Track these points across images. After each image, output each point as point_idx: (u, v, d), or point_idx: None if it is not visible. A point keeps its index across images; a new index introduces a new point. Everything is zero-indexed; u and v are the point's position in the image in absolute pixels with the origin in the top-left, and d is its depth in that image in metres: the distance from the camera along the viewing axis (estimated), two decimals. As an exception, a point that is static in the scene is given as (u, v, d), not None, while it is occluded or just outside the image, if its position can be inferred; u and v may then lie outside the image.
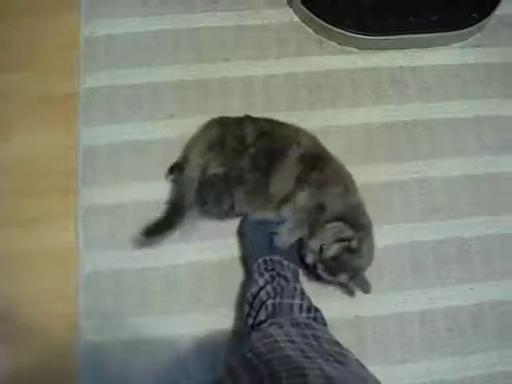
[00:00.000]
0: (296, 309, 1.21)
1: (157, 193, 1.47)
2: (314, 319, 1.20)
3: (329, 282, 1.38)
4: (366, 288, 1.32)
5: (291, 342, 0.97)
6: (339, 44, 1.67)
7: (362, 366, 0.94)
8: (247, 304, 1.28)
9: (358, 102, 1.62)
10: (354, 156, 1.48)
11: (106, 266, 1.43)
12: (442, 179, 1.55)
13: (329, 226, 1.31)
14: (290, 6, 1.71)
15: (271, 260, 1.32)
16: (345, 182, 1.38)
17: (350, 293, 1.42)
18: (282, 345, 0.95)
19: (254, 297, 1.26)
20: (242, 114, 1.45)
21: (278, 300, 1.22)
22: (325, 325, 1.21)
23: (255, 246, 1.37)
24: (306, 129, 1.43)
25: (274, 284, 1.26)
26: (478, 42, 1.71)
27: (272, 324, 1.14)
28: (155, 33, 1.66)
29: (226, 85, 1.61)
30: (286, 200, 1.34)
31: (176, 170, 1.46)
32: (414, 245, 1.48)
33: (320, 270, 1.33)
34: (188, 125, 1.49)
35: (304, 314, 1.20)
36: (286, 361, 0.87)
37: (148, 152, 1.53)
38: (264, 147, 1.36)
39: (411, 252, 1.48)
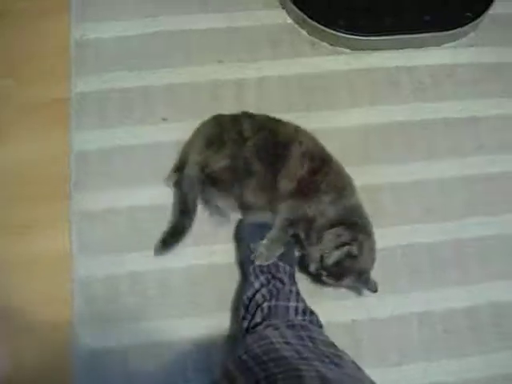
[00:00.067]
0: (292, 311, 1.20)
1: (150, 197, 1.46)
2: (310, 322, 1.19)
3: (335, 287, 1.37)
4: (372, 287, 1.32)
5: (287, 343, 0.96)
6: (332, 45, 1.66)
7: (358, 368, 0.93)
8: (243, 307, 1.27)
9: (354, 103, 1.61)
10: (350, 158, 1.45)
11: (100, 272, 1.41)
12: (439, 180, 1.54)
13: (326, 233, 1.30)
14: (283, 8, 1.70)
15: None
16: (344, 184, 1.37)
17: (358, 293, 1.41)
18: (278, 346, 0.94)
19: (250, 300, 1.25)
20: (236, 116, 1.44)
21: (273, 302, 1.22)
22: (320, 327, 1.20)
23: (251, 250, 1.34)
24: (303, 130, 1.42)
25: (270, 287, 1.25)
26: (471, 41, 1.70)
27: (268, 326, 1.13)
28: (146, 35, 1.65)
29: (219, 87, 1.60)
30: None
31: (176, 172, 1.44)
32: (410, 247, 1.47)
33: (324, 277, 1.32)
34: (180, 128, 1.49)
35: (299, 317, 1.19)
36: (281, 362, 0.86)
37: (140, 156, 1.51)
38: (264, 139, 1.37)
39: (408, 254, 1.47)
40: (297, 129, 1.42)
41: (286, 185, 1.34)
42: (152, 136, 1.53)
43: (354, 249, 1.26)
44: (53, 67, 1.61)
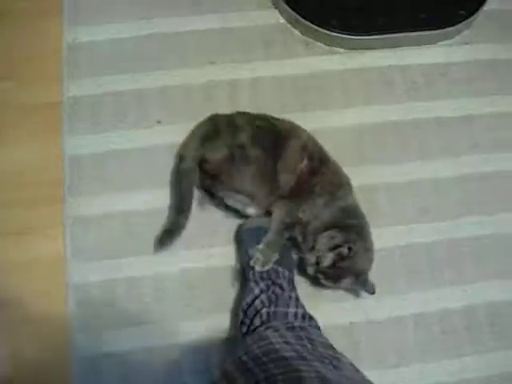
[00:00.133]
0: (291, 317, 1.20)
1: (145, 201, 1.45)
2: (309, 326, 1.18)
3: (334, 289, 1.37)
4: (370, 289, 1.32)
5: (286, 343, 0.96)
6: (326, 45, 1.65)
7: (357, 370, 0.94)
8: (242, 312, 1.27)
9: (348, 103, 1.60)
10: (344, 158, 1.44)
11: (95, 277, 1.40)
12: (433, 180, 1.54)
13: (321, 236, 1.30)
14: (276, 8, 1.69)
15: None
16: (340, 185, 1.37)
17: (356, 295, 1.41)
18: (278, 347, 0.94)
19: (249, 305, 1.25)
20: (229, 118, 1.43)
21: (272, 309, 1.22)
22: (320, 331, 1.19)
23: (249, 255, 1.33)
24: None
25: (269, 293, 1.25)
26: (466, 39, 1.70)
27: (267, 328, 1.13)
28: (140, 38, 1.63)
29: (213, 88, 1.59)
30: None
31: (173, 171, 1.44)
32: (406, 247, 1.47)
33: (322, 280, 1.32)
34: (175, 131, 1.48)
35: (299, 322, 1.19)
36: (281, 363, 0.86)
37: (135, 160, 1.50)
38: (261, 128, 1.38)
39: (404, 255, 1.47)
40: (294, 125, 1.43)
41: (286, 178, 1.34)
42: (146, 139, 1.52)
43: (345, 250, 1.26)
44: (45, 71, 1.59)
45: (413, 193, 1.52)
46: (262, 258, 1.29)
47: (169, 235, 1.37)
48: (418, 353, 1.40)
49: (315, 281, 1.35)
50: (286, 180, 1.34)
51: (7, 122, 1.54)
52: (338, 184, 1.38)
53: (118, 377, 1.34)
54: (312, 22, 1.61)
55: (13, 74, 1.58)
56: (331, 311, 1.40)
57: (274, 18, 1.68)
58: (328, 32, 1.61)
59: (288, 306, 1.23)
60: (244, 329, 1.23)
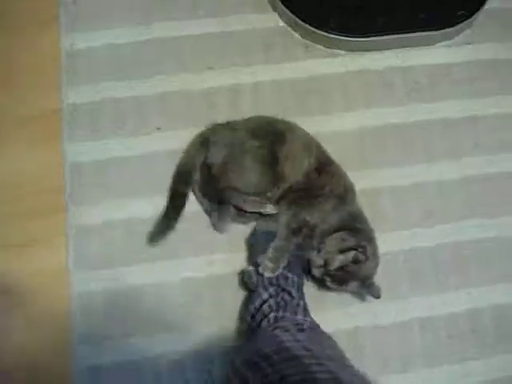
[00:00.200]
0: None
1: (145, 209, 1.43)
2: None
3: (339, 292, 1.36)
4: (375, 293, 1.31)
5: (297, 341, 0.96)
6: (326, 47, 1.63)
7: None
8: (249, 316, 1.27)
9: (349, 106, 1.58)
10: (347, 162, 1.43)
11: (97, 286, 1.39)
12: (438, 182, 1.52)
13: (330, 237, 1.29)
14: (275, 11, 1.67)
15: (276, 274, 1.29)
16: (347, 190, 1.37)
17: (361, 298, 1.40)
18: (288, 345, 0.94)
19: (257, 309, 1.25)
20: (230, 124, 1.43)
21: (280, 314, 1.21)
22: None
23: (258, 262, 1.32)
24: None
25: (278, 299, 1.25)
26: (467, 38, 1.67)
27: (276, 328, 1.13)
28: (138, 43, 1.61)
29: (212, 94, 1.57)
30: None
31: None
32: (411, 251, 1.46)
33: (328, 283, 1.31)
34: (175, 137, 1.47)
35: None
36: (293, 363, 0.85)
37: (135, 167, 1.49)
38: (258, 121, 1.40)
39: (408, 259, 1.45)
40: (296, 125, 1.43)
41: (290, 170, 1.33)
42: (146, 146, 1.50)
43: (361, 254, 1.25)
44: (43, 78, 1.57)
45: (417, 196, 1.51)
46: (271, 265, 1.28)
47: (161, 231, 1.38)
48: (424, 358, 1.39)
49: (320, 283, 1.34)
50: (291, 173, 1.34)
51: (6, 130, 1.53)
52: (346, 188, 1.37)
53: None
54: (311, 25, 1.59)
55: (10, 82, 1.57)
56: (336, 316, 1.39)
57: (273, 21, 1.66)
58: (327, 34, 1.58)
59: (296, 313, 1.22)
60: (251, 334, 1.23)
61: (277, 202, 1.35)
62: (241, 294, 1.39)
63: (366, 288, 1.31)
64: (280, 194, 1.35)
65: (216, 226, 1.42)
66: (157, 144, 1.50)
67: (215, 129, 1.43)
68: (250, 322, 1.26)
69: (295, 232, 1.31)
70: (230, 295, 1.39)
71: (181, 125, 1.50)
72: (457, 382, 1.37)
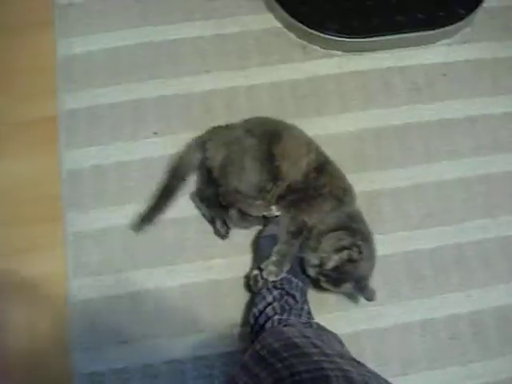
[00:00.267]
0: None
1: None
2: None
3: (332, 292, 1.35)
4: (370, 295, 1.30)
5: (306, 337, 0.95)
6: (323, 48, 1.62)
7: None
8: (253, 319, 1.27)
9: (347, 108, 1.57)
10: (346, 164, 1.42)
11: (95, 292, 1.39)
12: (437, 184, 1.51)
13: (326, 237, 1.28)
14: (271, 12, 1.66)
15: (280, 277, 1.29)
16: (346, 190, 1.36)
17: (355, 301, 1.39)
18: (297, 340, 0.93)
19: (261, 312, 1.25)
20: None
21: (284, 316, 1.21)
22: None
23: (262, 267, 1.31)
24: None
25: (282, 302, 1.25)
26: (466, 37, 1.66)
27: (284, 326, 1.14)
28: (133, 47, 1.61)
29: (209, 97, 1.57)
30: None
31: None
32: (410, 253, 1.45)
33: (323, 283, 1.30)
34: (173, 141, 1.47)
35: None
36: (304, 359, 0.84)
37: (133, 172, 1.49)
38: (255, 122, 1.41)
39: (408, 261, 1.45)
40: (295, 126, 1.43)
41: (288, 167, 1.33)
42: (144, 151, 1.50)
43: (355, 253, 1.24)
44: (40, 84, 1.57)
45: (417, 197, 1.50)
46: (274, 269, 1.27)
47: (149, 218, 1.40)
48: (425, 360, 1.38)
49: (315, 283, 1.33)
50: (289, 171, 1.33)
51: (3, 137, 1.53)
52: (345, 189, 1.37)
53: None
54: (308, 26, 1.58)
55: (7, 88, 1.57)
56: (336, 319, 1.38)
57: (269, 22, 1.65)
58: (324, 35, 1.58)
59: (300, 316, 1.23)
60: (254, 336, 1.22)
61: (276, 202, 1.35)
62: (240, 299, 1.39)
63: (361, 290, 1.30)
64: (279, 193, 1.34)
65: (219, 232, 1.41)
66: (155, 149, 1.49)
67: (213, 131, 1.43)
68: (253, 324, 1.26)
69: (295, 235, 1.31)
70: (229, 300, 1.39)
71: (178, 129, 1.50)
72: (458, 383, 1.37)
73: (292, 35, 1.64)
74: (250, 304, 1.34)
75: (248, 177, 1.33)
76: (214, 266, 1.41)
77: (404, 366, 1.37)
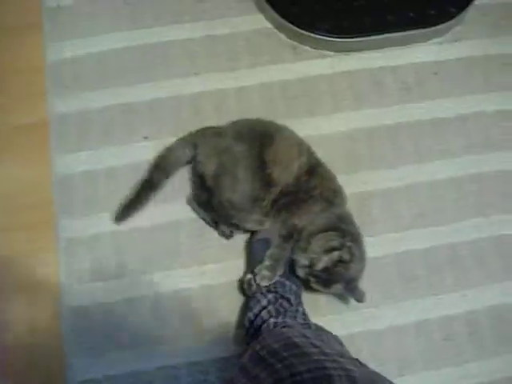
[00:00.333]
0: None
1: (136, 220, 1.42)
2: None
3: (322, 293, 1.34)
4: (359, 297, 1.29)
5: (305, 337, 0.95)
6: (314, 48, 1.61)
7: None
8: (248, 322, 1.27)
9: (338, 108, 1.56)
10: (336, 165, 1.41)
11: (90, 299, 1.38)
12: (429, 183, 1.51)
13: (316, 237, 1.27)
14: (261, 12, 1.64)
15: (274, 281, 1.29)
16: (336, 192, 1.35)
17: (345, 302, 1.38)
18: (297, 340, 0.92)
19: (256, 315, 1.25)
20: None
21: (280, 320, 1.21)
22: None
23: (255, 272, 1.31)
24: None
25: (277, 305, 1.25)
26: (457, 35, 1.66)
27: (283, 327, 1.14)
28: (122, 50, 1.60)
29: (199, 100, 1.55)
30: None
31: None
32: (403, 254, 1.44)
33: (313, 283, 1.30)
34: (163, 145, 1.45)
35: None
36: (304, 359, 0.84)
37: (124, 177, 1.46)
38: (243, 125, 1.39)
39: (401, 262, 1.44)
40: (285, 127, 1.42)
41: (280, 172, 1.31)
42: (135, 155, 1.48)
43: (345, 254, 1.24)
44: (30, 89, 1.56)
45: (409, 197, 1.49)
46: (268, 273, 1.27)
47: (130, 208, 1.40)
48: (420, 361, 1.38)
49: (304, 283, 1.33)
50: (281, 175, 1.32)
51: (-8, 143, 1.52)
52: (335, 191, 1.36)
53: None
54: (299, 26, 1.57)
55: (-5, 93, 1.56)
56: (331, 321, 1.36)
57: (260, 22, 1.64)
58: (315, 35, 1.57)
59: (295, 317, 1.23)
60: (250, 339, 1.22)
61: (271, 207, 1.34)
62: (235, 303, 1.38)
63: (351, 291, 1.30)
64: (273, 198, 1.33)
65: (224, 233, 1.40)
66: (145, 153, 1.47)
67: (203, 132, 1.42)
68: (249, 327, 1.26)
69: (287, 238, 1.30)
70: (223, 304, 1.39)
71: (168, 133, 1.48)
72: (456, 384, 1.37)
73: (282, 36, 1.63)
74: (245, 308, 1.34)
75: (241, 187, 1.31)
76: (208, 270, 1.41)
77: (400, 368, 1.37)
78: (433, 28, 1.59)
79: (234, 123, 1.43)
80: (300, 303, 1.31)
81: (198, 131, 1.43)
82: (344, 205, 1.37)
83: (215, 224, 1.41)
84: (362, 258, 1.30)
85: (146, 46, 1.60)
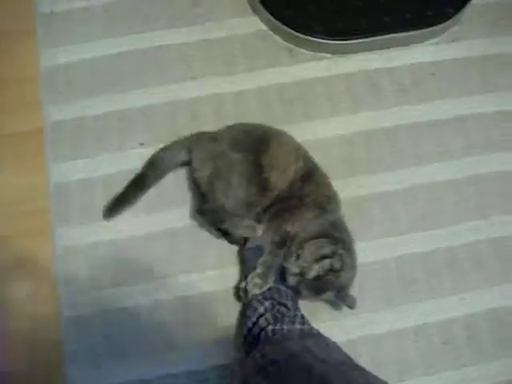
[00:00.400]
0: (297, 334, 1.20)
1: (131, 228, 1.42)
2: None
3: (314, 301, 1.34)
4: (350, 303, 1.29)
5: (307, 351, 0.96)
6: (310, 51, 1.59)
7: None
8: (246, 331, 1.26)
9: (336, 111, 1.55)
10: (334, 169, 1.41)
11: (89, 309, 1.37)
12: (428, 186, 1.50)
13: (307, 244, 1.27)
14: (256, 14, 1.63)
15: (269, 288, 1.28)
16: (330, 198, 1.35)
17: (337, 308, 1.38)
18: (297, 349, 0.94)
19: (254, 323, 1.25)
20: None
21: (278, 326, 1.21)
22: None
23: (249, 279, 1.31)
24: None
25: (274, 312, 1.25)
26: (454, 36, 1.64)
27: (282, 340, 1.14)
28: (118, 55, 1.58)
29: (195, 104, 1.54)
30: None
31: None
32: (402, 258, 1.43)
33: (304, 292, 1.29)
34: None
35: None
36: (308, 374, 0.84)
37: (121, 184, 1.43)
38: (239, 130, 1.38)
39: (400, 266, 1.43)
40: (283, 131, 1.41)
41: (276, 177, 1.31)
42: (131, 163, 1.46)
43: (337, 263, 1.24)
44: (23, 97, 1.54)
45: (407, 200, 1.48)
46: (259, 281, 1.27)
47: (119, 205, 1.40)
48: (420, 365, 1.37)
49: (295, 291, 1.31)
50: (278, 180, 1.31)
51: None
52: (329, 197, 1.35)
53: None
54: (294, 29, 1.55)
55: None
56: (330, 327, 1.36)
57: (255, 25, 1.62)
58: (311, 38, 1.55)
59: (293, 323, 1.23)
60: (248, 347, 1.23)
61: (264, 212, 1.33)
62: (233, 311, 1.38)
63: (342, 298, 1.29)
64: (268, 203, 1.32)
65: (236, 240, 1.38)
66: (141, 160, 1.45)
67: (198, 137, 1.41)
68: (247, 335, 1.26)
69: (279, 245, 1.30)
70: (222, 312, 1.38)
71: (164, 139, 1.46)
72: (454, 388, 1.37)
73: (278, 38, 1.61)
74: (242, 316, 1.33)
75: (236, 192, 1.30)
76: (206, 277, 1.40)
77: (401, 373, 1.37)
78: (430, 29, 1.57)
79: (230, 128, 1.42)
80: (297, 308, 1.30)
81: (193, 135, 1.42)
82: (338, 211, 1.36)
83: (222, 233, 1.39)
84: (353, 265, 1.30)
85: (140, 51, 1.59)
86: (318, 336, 1.18)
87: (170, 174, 1.45)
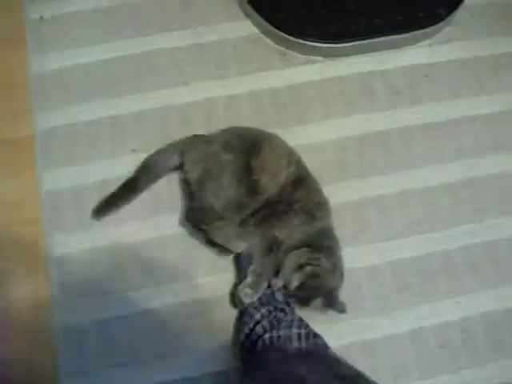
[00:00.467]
0: (294, 339, 1.20)
1: (125, 235, 1.41)
2: (315, 345, 1.20)
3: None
4: (341, 308, 1.29)
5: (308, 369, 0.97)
6: (303, 54, 1.58)
7: None
8: (243, 337, 1.26)
9: (329, 114, 1.54)
10: (327, 174, 1.41)
11: (84, 317, 1.36)
12: (422, 190, 1.49)
13: (288, 256, 1.28)
14: (248, 18, 1.62)
15: (264, 294, 1.28)
16: (320, 205, 1.34)
17: (325, 313, 1.36)
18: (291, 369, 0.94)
19: (251, 330, 1.24)
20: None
21: (275, 333, 1.21)
22: (326, 348, 1.21)
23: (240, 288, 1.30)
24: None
25: (271, 318, 1.24)
26: (447, 37, 1.63)
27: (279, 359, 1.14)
28: (108, 61, 1.56)
29: (187, 110, 1.53)
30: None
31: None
32: (398, 262, 1.43)
33: (293, 303, 1.30)
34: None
35: (303, 344, 1.19)
36: None
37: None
38: (232, 134, 1.37)
39: (395, 270, 1.43)
40: (275, 136, 1.40)
41: (267, 180, 1.30)
42: (123, 169, 1.44)
43: (316, 267, 1.24)
44: (14, 103, 1.53)
45: (402, 204, 1.48)
46: (250, 291, 1.26)
47: (109, 206, 1.39)
48: (416, 369, 1.37)
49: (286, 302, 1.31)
50: (268, 184, 1.30)
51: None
52: (319, 204, 1.34)
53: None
54: (286, 32, 1.54)
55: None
56: (325, 332, 1.32)
57: (247, 29, 1.61)
58: (303, 41, 1.54)
59: (291, 327, 1.22)
60: (245, 354, 1.23)
61: (251, 215, 1.31)
62: (229, 317, 1.37)
63: (331, 304, 1.29)
64: (256, 207, 1.31)
65: (223, 251, 1.38)
66: (133, 167, 1.44)
67: (191, 140, 1.41)
68: (244, 341, 1.25)
69: (266, 251, 1.29)
70: (217, 318, 1.37)
71: (156, 145, 1.44)
72: (450, 392, 1.37)
73: (270, 41, 1.60)
74: (239, 322, 1.33)
75: (226, 193, 1.30)
76: (200, 284, 1.39)
77: (396, 377, 1.37)
78: (422, 31, 1.57)
79: (224, 131, 1.42)
80: (294, 312, 1.30)
81: (187, 138, 1.42)
82: (328, 218, 1.35)
83: (211, 243, 1.38)
84: (337, 270, 1.30)
85: (132, 56, 1.57)
86: (313, 354, 1.18)
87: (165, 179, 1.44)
